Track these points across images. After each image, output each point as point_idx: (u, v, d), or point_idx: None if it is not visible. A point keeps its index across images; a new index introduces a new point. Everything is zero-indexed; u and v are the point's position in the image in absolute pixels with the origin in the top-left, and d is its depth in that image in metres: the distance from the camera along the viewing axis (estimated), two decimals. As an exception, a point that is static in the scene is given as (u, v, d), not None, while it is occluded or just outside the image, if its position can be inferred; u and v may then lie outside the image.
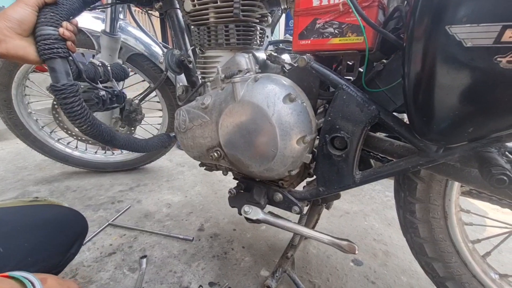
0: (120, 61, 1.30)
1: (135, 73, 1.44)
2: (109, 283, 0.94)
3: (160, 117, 1.67)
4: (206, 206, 1.46)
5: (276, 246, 1.16)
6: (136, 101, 1.42)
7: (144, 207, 1.42)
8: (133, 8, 1.41)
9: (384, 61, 0.65)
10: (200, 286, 0.94)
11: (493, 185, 0.40)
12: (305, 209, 0.98)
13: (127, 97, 1.45)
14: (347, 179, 0.66)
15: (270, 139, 0.65)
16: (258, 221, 0.78)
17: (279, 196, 0.79)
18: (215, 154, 0.79)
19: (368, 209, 1.49)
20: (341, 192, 1.10)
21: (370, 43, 0.57)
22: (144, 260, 1.02)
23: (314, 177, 0.79)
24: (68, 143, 1.70)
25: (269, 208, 0.84)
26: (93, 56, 1.27)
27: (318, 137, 0.69)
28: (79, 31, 1.10)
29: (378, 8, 0.55)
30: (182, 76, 1.10)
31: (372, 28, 0.54)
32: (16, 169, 1.85)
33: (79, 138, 1.40)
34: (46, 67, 0.69)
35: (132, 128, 1.54)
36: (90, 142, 1.48)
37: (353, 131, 0.61)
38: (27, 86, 1.50)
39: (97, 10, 1.30)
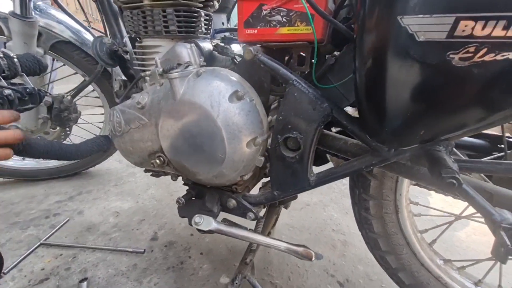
0: (41, 50, 1.09)
1: (63, 65, 1.23)
2: (39, 317, 0.80)
3: (102, 114, 1.48)
4: (161, 211, 1.34)
5: (236, 249, 1.11)
6: (69, 98, 1.22)
7: (87, 218, 1.25)
8: (55, -13, 1.18)
9: (336, 54, 0.60)
10: (152, 304, 0.85)
11: (444, 188, 0.39)
12: (263, 211, 0.94)
13: (59, 93, 1.24)
14: (302, 182, 0.62)
15: (216, 143, 0.58)
16: (210, 232, 0.71)
17: (232, 203, 0.72)
18: (157, 161, 0.69)
19: (327, 199, 1.52)
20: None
21: (319, 34, 0.52)
22: (84, 283, 0.89)
23: (270, 178, 0.74)
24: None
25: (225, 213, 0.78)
26: (4, 44, 1.04)
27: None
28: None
29: (327, -5, 0.50)
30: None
31: (321, 17, 0.49)
32: None
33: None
34: None
35: (67, 129, 1.34)
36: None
37: (306, 131, 0.57)
38: None
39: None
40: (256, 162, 0.64)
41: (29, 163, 1.52)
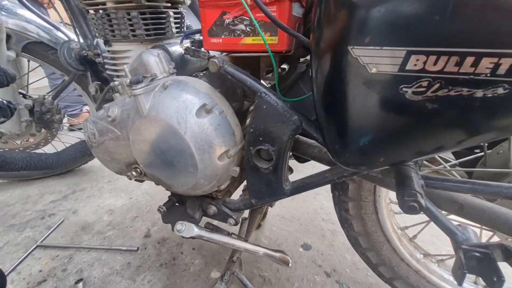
0: (13, 54, 1.05)
1: (39, 65, 1.19)
2: (39, 319, 0.85)
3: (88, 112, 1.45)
4: (154, 206, 1.36)
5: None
6: (49, 99, 1.20)
7: (81, 218, 1.28)
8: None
9: (308, 58, 0.57)
10: (146, 302, 0.89)
11: (406, 212, 0.38)
12: (247, 212, 0.95)
13: (39, 95, 1.22)
14: (277, 191, 0.62)
15: (186, 159, 0.57)
16: (193, 238, 0.73)
17: (213, 209, 0.73)
18: (134, 172, 0.69)
19: (319, 188, 1.53)
20: (295, 171, 1.10)
21: (284, 44, 0.49)
22: (80, 284, 0.93)
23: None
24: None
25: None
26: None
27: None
28: None
29: (290, 1, 0.46)
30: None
31: (279, 28, 0.45)
32: None
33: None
34: None
35: (53, 130, 1.32)
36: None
37: (277, 143, 0.55)
38: None
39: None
40: (231, 172, 0.63)
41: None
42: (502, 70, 0.25)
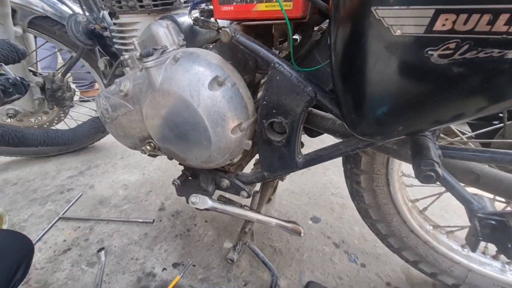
0: (20, 29, 1.03)
1: (46, 42, 1.18)
2: (67, 282, 0.92)
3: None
4: (166, 181, 1.40)
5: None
6: (59, 76, 1.20)
7: (98, 192, 1.34)
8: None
9: (324, 27, 0.55)
10: (164, 269, 0.95)
11: (422, 181, 0.38)
12: (258, 185, 0.97)
13: (48, 73, 1.22)
14: (289, 164, 0.62)
15: (200, 133, 0.57)
16: (207, 209, 0.75)
17: (226, 183, 0.74)
18: (148, 147, 0.70)
19: (328, 163, 1.53)
20: (305, 145, 1.10)
21: (299, 9, 0.46)
22: (102, 252, 0.99)
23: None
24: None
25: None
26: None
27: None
28: None
29: (306, -38, 0.43)
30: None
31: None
32: None
33: None
34: None
35: (65, 107, 1.34)
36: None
37: (290, 115, 0.55)
38: None
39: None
40: (244, 146, 0.64)
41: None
42: (539, 27, 0.23)
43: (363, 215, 0.82)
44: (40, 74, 1.20)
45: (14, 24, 1.01)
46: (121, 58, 0.70)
